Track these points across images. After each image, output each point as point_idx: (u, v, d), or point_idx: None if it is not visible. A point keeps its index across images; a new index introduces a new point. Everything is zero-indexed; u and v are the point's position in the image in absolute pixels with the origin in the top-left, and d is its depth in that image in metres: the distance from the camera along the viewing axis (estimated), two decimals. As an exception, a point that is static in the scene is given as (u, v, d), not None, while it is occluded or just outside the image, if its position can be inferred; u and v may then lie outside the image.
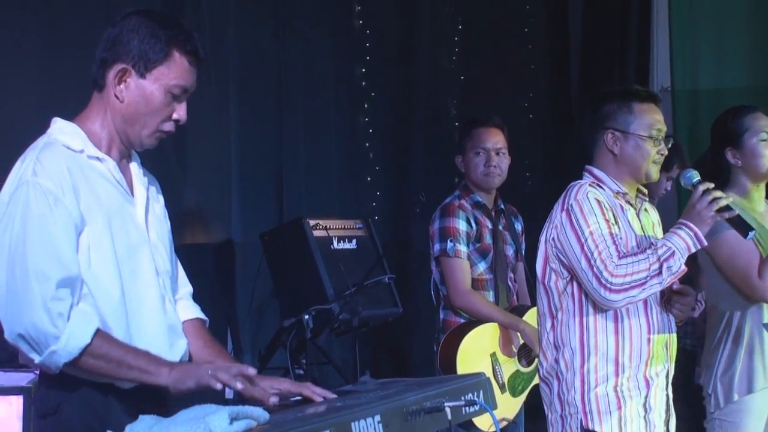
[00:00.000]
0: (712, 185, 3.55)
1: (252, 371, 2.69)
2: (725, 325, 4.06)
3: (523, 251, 5.22)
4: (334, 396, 2.87)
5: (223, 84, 5.83)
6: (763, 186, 4.16)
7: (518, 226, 5.25)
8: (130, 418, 2.43)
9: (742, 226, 3.59)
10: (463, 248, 4.91)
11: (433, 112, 7.56)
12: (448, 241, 4.90)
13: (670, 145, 3.75)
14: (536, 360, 5.06)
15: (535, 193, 7.71)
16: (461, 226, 4.94)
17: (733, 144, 4.10)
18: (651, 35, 9.67)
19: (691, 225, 3.50)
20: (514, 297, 5.19)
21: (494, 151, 5.05)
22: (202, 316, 3.13)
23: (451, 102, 7.84)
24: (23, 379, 3.84)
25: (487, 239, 5.01)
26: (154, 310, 2.88)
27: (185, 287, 3.13)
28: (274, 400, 2.81)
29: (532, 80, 8.98)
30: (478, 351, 4.87)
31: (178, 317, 3.00)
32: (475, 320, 4.95)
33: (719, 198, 3.51)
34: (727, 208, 3.51)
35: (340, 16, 6.89)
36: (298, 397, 2.87)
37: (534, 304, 5.08)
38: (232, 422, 2.28)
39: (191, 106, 2.93)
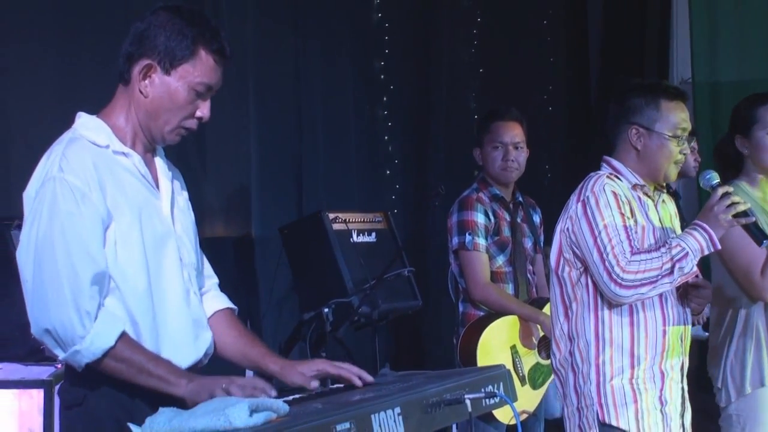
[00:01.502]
0: (731, 189, 3.55)
1: (269, 390, 2.68)
2: (732, 316, 4.04)
3: (542, 243, 5.21)
4: (371, 379, 2.88)
5: (242, 79, 5.83)
6: None
7: (536, 218, 5.24)
8: (154, 409, 2.44)
9: (757, 234, 3.58)
10: (481, 241, 4.91)
11: (452, 105, 7.55)
12: (467, 234, 4.90)
13: (693, 145, 3.74)
14: None
15: (554, 186, 7.70)
16: (479, 219, 4.94)
17: (743, 133, 4.08)
18: (671, 26, 9.65)
19: (707, 227, 3.49)
20: (534, 289, 5.18)
21: (512, 146, 5.04)
22: (231, 305, 3.14)
23: (470, 95, 7.83)
24: (44, 372, 3.86)
25: (506, 232, 5.01)
26: (179, 302, 2.89)
27: (211, 279, 3.14)
28: (314, 384, 2.83)
29: (552, 73, 8.97)
30: (499, 344, 4.87)
31: (203, 310, 3.01)
32: (495, 313, 4.95)
33: (737, 203, 3.49)
34: (745, 214, 3.50)
35: (358, 9, 6.89)
36: (339, 385, 2.87)
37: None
38: (252, 414, 2.29)
39: (211, 100, 2.93)
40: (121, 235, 2.77)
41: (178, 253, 2.91)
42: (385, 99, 7.02)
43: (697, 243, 3.47)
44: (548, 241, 3.79)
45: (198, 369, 2.90)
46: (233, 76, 5.68)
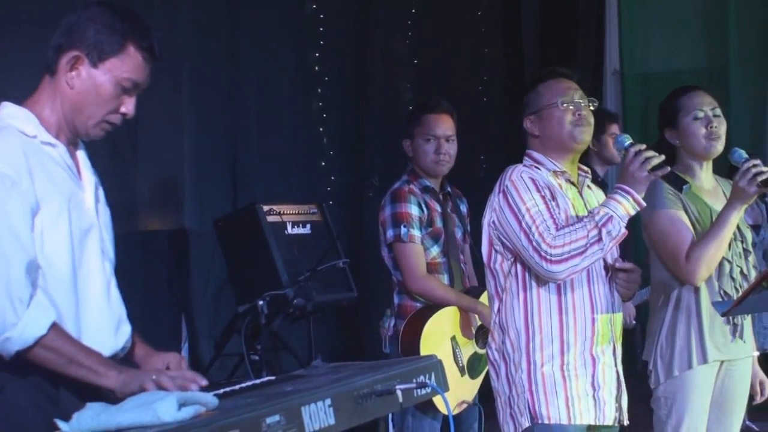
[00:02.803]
0: (643, 146, 3.56)
1: (199, 380, 2.67)
2: (663, 301, 4.08)
3: (470, 232, 5.23)
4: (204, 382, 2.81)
5: (176, 69, 5.79)
6: (710, 164, 4.17)
7: (464, 208, 5.25)
8: (79, 399, 2.43)
9: (676, 181, 3.62)
10: (416, 233, 4.90)
11: (387, 96, 7.56)
12: (402, 227, 4.88)
13: (593, 107, 3.76)
14: None
15: (490, 176, 7.72)
16: (414, 211, 4.93)
17: (671, 124, 4.12)
18: (606, 19, 9.76)
19: (627, 188, 3.51)
20: (467, 278, 5.20)
21: (444, 138, 5.04)
22: None
23: (405, 86, 7.86)
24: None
25: (438, 223, 5.01)
26: (100, 294, 2.88)
27: None
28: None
29: (486, 64, 9.01)
30: (441, 335, 4.88)
31: (122, 303, 3.00)
32: (433, 304, 4.96)
33: (651, 157, 3.52)
34: (660, 166, 3.52)
35: (293, 0, 6.88)
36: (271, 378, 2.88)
37: (480, 284, 5.12)
38: (181, 408, 2.28)
39: (144, 91, 2.92)
40: (49, 223, 2.75)
41: (100, 245, 2.91)
42: (320, 90, 7.01)
43: (620, 205, 3.49)
44: (480, 231, 3.80)
45: (116, 361, 2.88)
46: (167, 68, 5.63)
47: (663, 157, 3.55)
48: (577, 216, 3.64)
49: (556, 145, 3.71)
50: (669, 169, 3.55)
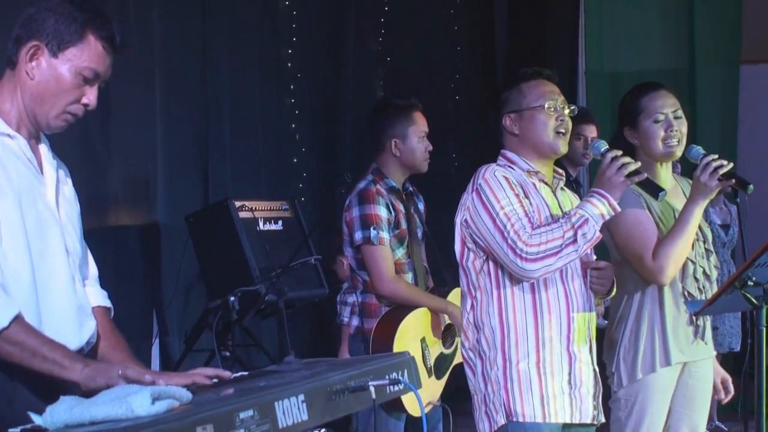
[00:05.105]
0: (620, 152, 3.60)
1: (161, 380, 2.66)
2: (627, 304, 4.08)
3: (426, 230, 5.23)
4: (229, 374, 2.86)
5: (148, 63, 5.78)
6: (669, 164, 4.19)
7: (421, 206, 5.24)
8: (38, 398, 2.42)
9: (652, 188, 3.65)
10: (385, 235, 4.88)
11: (359, 94, 7.57)
12: (371, 229, 4.84)
13: (574, 114, 3.78)
14: (457, 341, 5.11)
15: (461, 174, 7.76)
16: (383, 213, 4.89)
17: (631, 124, 4.12)
18: (579, 18, 9.80)
19: (603, 192, 3.54)
20: (429, 277, 5.21)
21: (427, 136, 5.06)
22: (107, 303, 3.11)
23: (377, 83, 7.86)
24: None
25: (403, 224, 4.99)
26: (63, 290, 2.86)
27: (92, 270, 3.12)
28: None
29: (458, 62, 9.04)
30: (413, 336, 4.87)
31: (88, 298, 2.99)
32: (402, 305, 4.94)
33: (628, 163, 3.55)
34: (636, 172, 3.55)
35: (266, -3, 6.88)
36: (244, 373, 2.88)
37: (438, 282, 5.14)
38: (154, 402, 2.27)
39: (115, 85, 2.93)
40: (4, 217, 2.73)
41: (62, 241, 2.88)
42: (292, 87, 7.01)
43: (596, 208, 3.51)
44: (451, 230, 3.81)
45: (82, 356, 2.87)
46: (139, 62, 5.63)
47: (639, 163, 3.59)
48: (551, 215, 3.66)
49: (534, 148, 3.73)
50: (645, 175, 3.59)
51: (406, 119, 5.04)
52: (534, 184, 3.71)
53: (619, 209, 3.56)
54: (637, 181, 3.57)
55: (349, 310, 5.02)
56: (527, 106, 3.71)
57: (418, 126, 5.03)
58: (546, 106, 3.69)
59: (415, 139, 5.01)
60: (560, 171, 3.86)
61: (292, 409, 2.44)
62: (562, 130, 3.71)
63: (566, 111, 3.73)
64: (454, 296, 5.03)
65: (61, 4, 2.83)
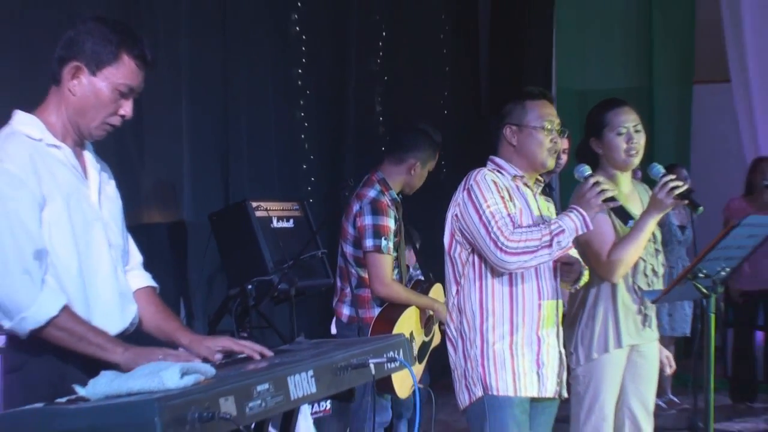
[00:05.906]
0: (601, 178, 3.63)
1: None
2: (585, 292, 4.09)
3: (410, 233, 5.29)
4: (271, 353, 2.89)
5: (175, 82, 5.78)
6: (629, 172, 4.20)
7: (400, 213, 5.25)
8: (87, 376, 2.43)
9: (623, 215, 3.71)
10: (391, 245, 4.88)
11: (361, 108, 7.59)
12: (383, 239, 4.82)
13: (565, 136, 3.81)
14: (434, 329, 5.15)
15: (449, 179, 7.77)
16: (392, 224, 4.88)
17: (596, 135, 4.11)
18: (552, 43, 9.82)
19: (581, 210, 3.57)
20: (419, 273, 5.26)
21: None
22: (153, 283, 3.13)
23: (376, 99, 7.88)
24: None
25: (399, 232, 5.02)
26: (107, 278, 2.88)
27: (136, 258, 3.13)
28: (218, 357, 2.84)
29: (447, 80, 9.04)
30: (406, 332, 4.89)
31: (129, 285, 3.01)
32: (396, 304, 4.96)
33: (606, 190, 3.58)
34: (612, 199, 3.59)
35: (279, 23, 6.88)
36: (243, 355, 2.89)
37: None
38: (183, 376, 2.30)
39: (148, 101, 2.93)
40: (54, 217, 2.75)
41: (105, 235, 2.90)
42: (302, 102, 7.02)
43: (572, 222, 3.54)
44: (442, 228, 3.82)
45: (125, 337, 2.89)
46: (167, 81, 5.64)
47: (615, 191, 3.62)
48: (532, 215, 3.69)
49: (527, 160, 3.74)
50: (620, 203, 3.63)
51: (432, 154, 5.09)
52: (518, 187, 3.73)
53: (591, 227, 3.58)
54: (612, 206, 3.61)
55: (337, 299, 5.05)
56: (528, 123, 3.71)
57: (433, 163, 5.10)
58: (545, 126, 3.70)
59: (426, 171, 5.08)
60: (541, 179, 3.88)
61: (302, 383, 2.47)
62: (554, 150, 3.73)
63: (562, 135, 3.76)
64: (435, 291, 5.09)
65: (97, 27, 2.84)
